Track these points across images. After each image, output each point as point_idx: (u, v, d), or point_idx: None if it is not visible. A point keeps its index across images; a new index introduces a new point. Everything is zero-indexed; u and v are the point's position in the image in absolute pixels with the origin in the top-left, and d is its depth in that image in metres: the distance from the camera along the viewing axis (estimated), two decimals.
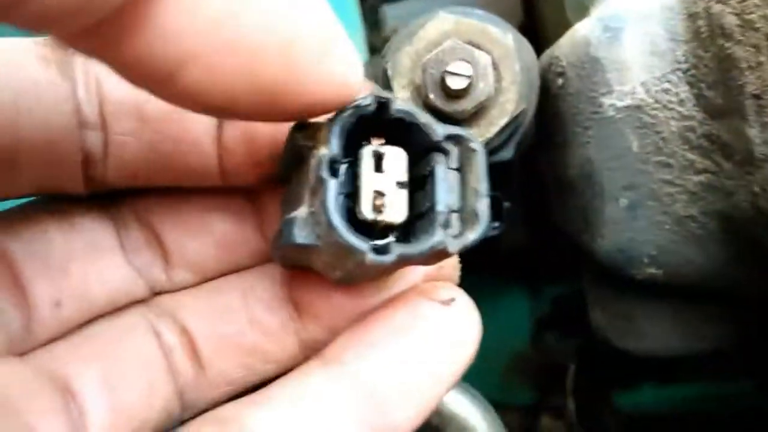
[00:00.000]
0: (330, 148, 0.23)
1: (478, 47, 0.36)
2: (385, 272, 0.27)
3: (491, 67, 0.35)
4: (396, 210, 0.24)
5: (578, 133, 0.38)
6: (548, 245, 0.64)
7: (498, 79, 0.36)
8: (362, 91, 0.25)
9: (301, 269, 0.30)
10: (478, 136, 0.33)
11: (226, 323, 0.30)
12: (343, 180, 0.24)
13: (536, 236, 0.62)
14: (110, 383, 0.28)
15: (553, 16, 0.44)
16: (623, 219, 0.37)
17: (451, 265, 0.31)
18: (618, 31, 0.35)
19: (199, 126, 0.28)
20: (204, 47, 0.19)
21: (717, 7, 0.31)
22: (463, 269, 0.32)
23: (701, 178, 0.35)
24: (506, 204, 0.39)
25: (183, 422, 0.31)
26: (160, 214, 0.31)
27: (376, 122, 0.25)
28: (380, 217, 0.24)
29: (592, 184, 0.38)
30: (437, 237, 0.24)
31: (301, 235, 0.25)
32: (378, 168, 0.24)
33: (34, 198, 0.30)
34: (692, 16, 0.33)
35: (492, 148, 0.36)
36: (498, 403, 0.44)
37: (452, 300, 0.28)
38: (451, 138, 0.25)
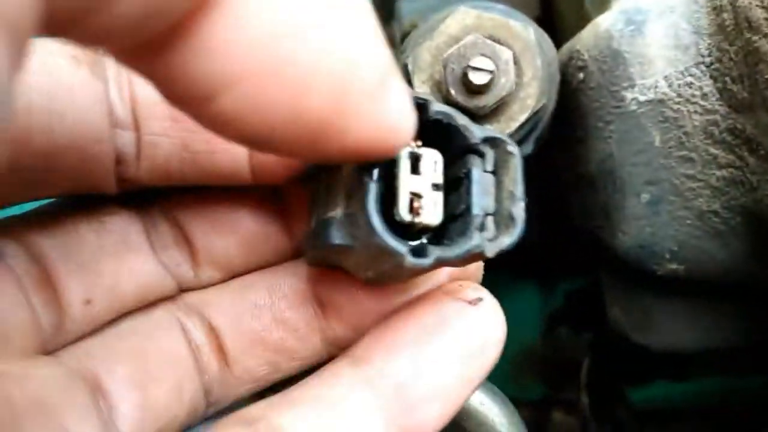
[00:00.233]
0: None
1: (499, 42, 0.35)
2: (417, 274, 0.27)
3: (512, 62, 0.35)
4: (432, 212, 0.24)
5: (599, 127, 0.37)
6: (561, 241, 0.64)
7: (519, 74, 0.36)
8: (410, 141, 0.23)
9: (328, 268, 0.30)
10: (498, 132, 0.33)
11: (252, 320, 0.30)
12: (379, 182, 0.23)
13: (549, 232, 0.62)
14: (140, 381, 0.28)
15: (571, 9, 0.44)
16: (644, 214, 0.37)
17: (475, 265, 0.31)
18: (641, 24, 0.35)
19: None
20: (250, 69, 0.18)
21: (744, 0, 0.31)
22: None
23: (724, 172, 0.35)
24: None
25: (207, 419, 0.31)
26: (188, 213, 0.31)
27: None
28: (417, 219, 0.24)
29: (614, 179, 0.38)
30: (475, 240, 0.24)
31: (338, 236, 0.24)
32: (414, 170, 0.24)
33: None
34: (717, 9, 0.33)
35: None
36: (509, 399, 0.44)
37: (480, 300, 0.28)
38: (487, 141, 0.25)
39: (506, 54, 0.35)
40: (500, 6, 0.36)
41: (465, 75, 0.34)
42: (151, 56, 0.18)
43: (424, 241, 0.25)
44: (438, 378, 0.26)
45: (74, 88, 0.26)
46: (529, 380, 0.78)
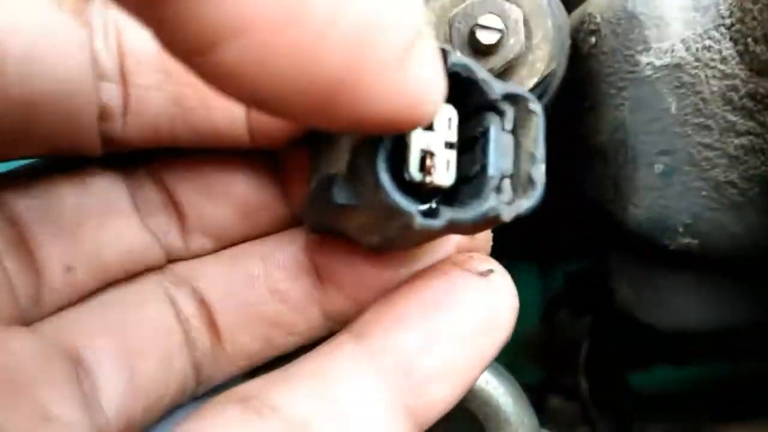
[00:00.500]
0: None
1: (508, 1, 0.34)
2: (425, 239, 0.25)
3: (522, 22, 0.33)
4: (444, 172, 0.22)
5: (612, 95, 0.36)
6: (563, 220, 0.62)
7: (528, 35, 0.34)
8: (437, 113, 0.20)
9: (329, 234, 0.28)
10: (520, 87, 0.31)
11: (246, 292, 0.29)
12: (388, 136, 0.21)
13: (551, 210, 0.61)
14: (125, 356, 0.26)
15: None
16: (657, 186, 0.36)
17: (484, 237, 0.30)
18: None
19: None
20: (260, 16, 0.16)
21: None
22: None
23: (743, 140, 0.33)
24: None
25: (197, 398, 0.30)
26: (177, 176, 0.29)
27: None
28: (428, 179, 0.22)
29: (625, 149, 0.36)
30: (491, 202, 0.22)
31: (341, 195, 0.23)
32: (428, 125, 0.22)
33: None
34: None
35: None
36: None
37: (490, 271, 0.26)
38: (508, 97, 0.23)
39: (516, 12, 0.33)
40: None
41: (472, 34, 0.33)
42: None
43: (433, 206, 0.23)
44: (446, 355, 0.25)
45: (55, 34, 0.24)
46: (527, 364, 0.77)
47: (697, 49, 0.33)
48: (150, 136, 0.27)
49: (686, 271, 0.39)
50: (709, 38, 0.33)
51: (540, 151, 0.23)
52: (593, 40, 0.36)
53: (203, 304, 0.29)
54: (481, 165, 0.23)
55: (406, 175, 0.22)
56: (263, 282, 0.29)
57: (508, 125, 0.23)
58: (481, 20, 0.32)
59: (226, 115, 0.26)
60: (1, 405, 0.22)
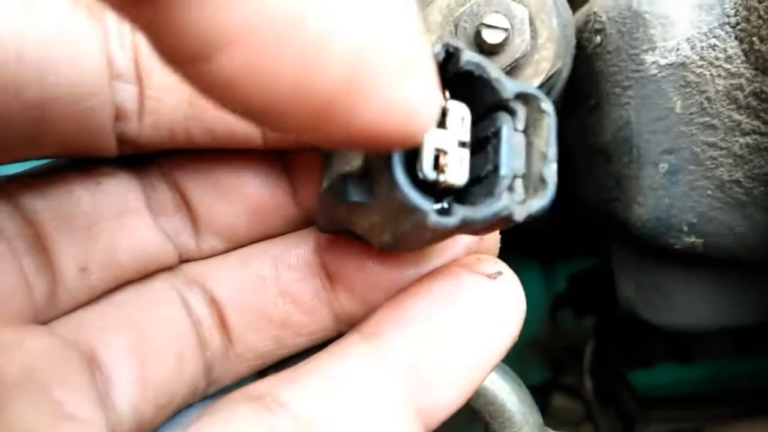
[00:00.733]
0: None
1: (514, 0, 0.34)
2: (437, 239, 0.25)
3: (528, 21, 0.33)
4: (458, 171, 0.22)
5: (616, 93, 0.36)
6: (568, 221, 0.62)
7: (534, 35, 0.34)
8: (426, 131, 0.20)
9: (340, 234, 0.28)
10: (532, 87, 0.31)
11: (256, 293, 0.29)
12: None
13: (556, 211, 0.61)
14: (138, 354, 0.26)
15: None
16: (662, 185, 0.36)
17: (493, 238, 0.30)
18: None
19: None
20: (256, 27, 0.15)
21: None
22: None
23: (748, 139, 0.33)
24: None
25: (207, 398, 0.30)
26: (189, 177, 0.29)
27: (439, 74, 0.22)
28: (442, 177, 0.22)
29: (630, 148, 0.36)
30: (503, 202, 0.22)
31: (355, 193, 0.23)
32: (441, 124, 0.22)
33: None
34: None
35: None
36: None
37: (499, 273, 0.26)
38: (520, 97, 0.23)
39: (521, 12, 0.33)
40: None
41: (478, 34, 0.33)
42: (149, 4, 0.16)
43: (446, 205, 0.23)
44: (455, 356, 0.25)
45: (71, 35, 0.24)
46: (531, 364, 0.77)
47: (702, 48, 0.33)
48: (165, 137, 0.27)
49: (691, 270, 0.39)
50: (714, 37, 0.33)
51: (552, 151, 0.23)
52: (598, 39, 0.36)
53: (214, 304, 0.29)
54: (493, 165, 0.23)
55: (419, 174, 0.22)
56: (273, 283, 0.29)
57: (520, 125, 0.23)
58: (487, 19, 0.32)
59: None
60: (19, 402, 0.23)
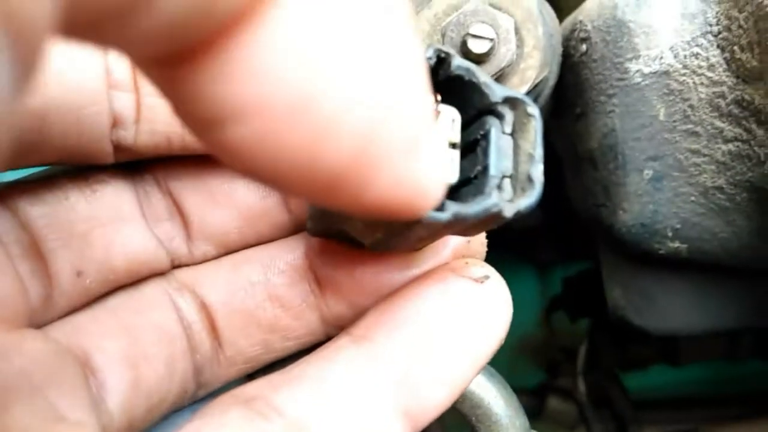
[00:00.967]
0: None
1: (500, 10, 0.34)
2: (428, 238, 0.26)
3: (513, 31, 0.34)
4: (449, 169, 0.23)
5: (601, 101, 0.36)
6: (560, 226, 0.63)
7: (520, 44, 0.35)
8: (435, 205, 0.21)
9: (329, 238, 0.29)
10: (518, 92, 0.31)
11: (246, 298, 0.29)
12: None
13: (547, 215, 0.61)
14: (130, 358, 0.27)
15: None
16: (647, 191, 0.36)
17: (479, 241, 0.30)
18: None
19: None
20: (268, 103, 0.16)
21: None
22: None
23: (730, 146, 0.34)
24: None
25: (198, 401, 0.30)
26: (182, 184, 0.30)
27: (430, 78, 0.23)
28: None
29: (615, 155, 0.37)
30: (493, 199, 0.23)
31: None
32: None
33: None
34: None
35: None
36: None
37: (486, 277, 0.27)
38: (507, 101, 0.24)
39: (507, 22, 0.34)
40: None
41: (464, 43, 0.33)
42: (169, 67, 0.16)
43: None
44: (443, 359, 0.25)
45: (70, 47, 0.25)
46: (525, 367, 0.77)
47: (685, 57, 0.33)
48: (161, 144, 0.27)
49: (676, 275, 0.39)
50: (697, 46, 0.33)
51: (538, 152, 0.23)
52: (584, 47, 0.36)
53: (204, 309, 0.29)
54: (482, 166, 0.24)
55: None
56: (263, 288, 0.29)
57: (508, 128, 0.24)
58: (473, 29, 0.33)
59: None
60: (16, 405, 0.23)
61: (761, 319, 0.40)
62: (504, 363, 0.76)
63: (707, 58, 0.33)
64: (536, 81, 0.35)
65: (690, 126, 0.34)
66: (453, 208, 0.22)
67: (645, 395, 0.69)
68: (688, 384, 0.69)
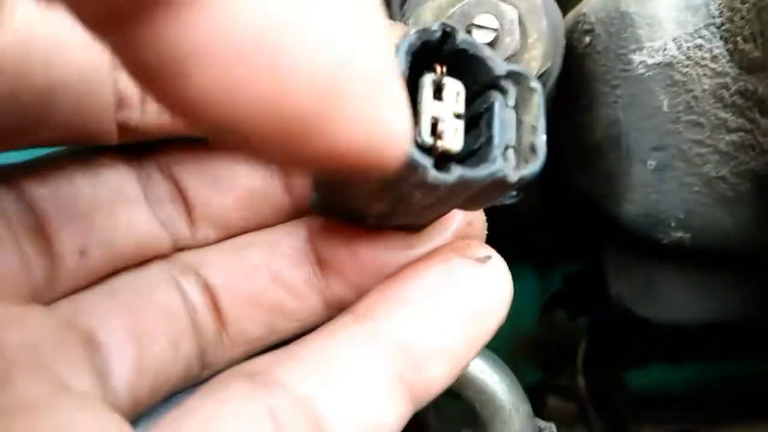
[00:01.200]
0: (399, 63, 0.22)
1: (504, 1, 0.35)
2: (431, 208, 0.26)
3: (518, 22, 0.34)
4: (453, 138, 0.24)
5: (605, 93, 0.37)
6: (560, 221, 0.63)
7: (524, 35, 0.35)
8: (401, 160, 0.20)
9: (332, 215, 0.29)
10: (521, 67, 0.32)
11: (249, 280, 0.29)
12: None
13: (548, 210, 0.62)
14: (135, 336, 0.27)
15: None
16: (650, 181, 0.36)
17: (481, 223, 0.30)
18: None
19: None
20: (230, 48, 0.15)
21: None
22: None
23: (734, 137, 0.34)
24: None
25: (203, 382, 0.30)
26: (185, 167, 0.30)
27: (434, 54, 0.24)
28: (439, 143, 0.23)
29: (619, 146, 0.37)
30: (497, 164, 0.23)
31: None
32: (438, 97, 0.23)
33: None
34: None
35: None
36: None
37: (488, 258, 0.27)
38: (510, 75, 0.24)
39: (511, 13, 0.34)
40: None
41: (468, 34, 0.33)
42: (121, 22, 0.15)
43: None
44: (444, 336, 0.26)
45: (76, 23, 0.25)
46: (525, 365, 0.77)
47: (688, 48, 0.34)
48: (167, 125, 0.27)
49: (679, 264, 0.39)
50: (700, 37, 0.34)
51: (541, 123, 0.24)
52: (587, 39, 0.37)
53: (208, 290, 0.29)
54: (486, 138, 0.24)
55: (417, 139, 0.23)
56: (265, 270, 0.30)
57: (511, 102, 0.24)
58: (477, 20, 0.33)
59: None
60: (21, 376, 0.23)
61: (763, 310, 0.41)
62: (504, 361, 0.76)
63: (710, 50, 0.33)
64: (540, 72, 0.35)
65: (693, 117, 0.35)
66: (459, 171, 0.23)
67: (646, 394, 0.69)
68: (689, 383, 0.69)
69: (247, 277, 0.29)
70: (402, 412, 0.25)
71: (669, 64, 0.34)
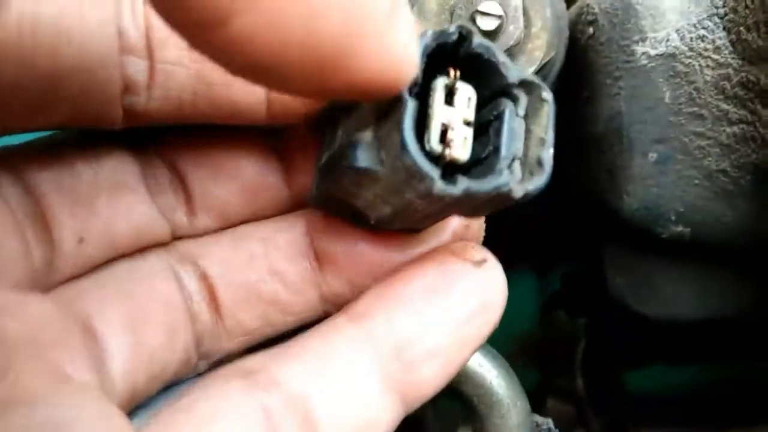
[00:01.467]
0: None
1: None
2: (434, 215, 0.26)
3: (522, 10, 0.34)
4: (462, 147, 0.23)
5: (608, 84, 0.36)
6: (560, 220, 0.63)
7: (528, 24, 0.35)
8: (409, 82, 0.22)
9: (332, 212, 0.29)
10: (534, 76, 0.32)
11: (246, 272, 0.29)
12: (415, 102, 0.22)
13: (547, 208, 0.61)
14: (132, 324, 0.27)
15: None
16: (651, 174, 0.36)
17: (478, 225, 0.31)
18: None
19: None
20: None
21: None
22: None
23: (735, 129, 0.34)
24: None
25: (200, 374, 0.30)
26: (185, 156, 0.30)
27: (448, 57, 0.24)
28: (447, 151, 0.23)
29: (621, 138, 0.37)
30: (503, 178, 0.23)
31: (363, 158, 0.23)
32: (449, 102, 0.23)
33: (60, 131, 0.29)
34: None
35: None
36: None
37: (484, 261, 0.27)
38: (522, 84, 0.24)
39: (516, 0, 0.34)
40: None
41: (472, 21, 0.34)
42: None
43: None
44: (439, 338, 0.26)
45: (83, 7, 0.25)
46: (524, 367, 0.77)
47: (691, 39, 0.34)
48: (172, 111, 0.27)
49: (679, 260, 0.39)
50: (703, 28, 0.34)
51: (550, 136, 0.24)
52: (591, 30, 0.37)
53: (205, 280, 0.29)
54: (494, 146, 0.24)
55: (426, 146, 0.23)
56: (263, 262, 0.30)
57: (521, 111, 0.24)
58: (482, 7, 0.33)
59: (247, 92, 0.27)
60: (21, 363, 0.23)
61: (762, 307, 0.40)
62: None
63: (713, 41, 0.33)
64: (543, 62, 0.35)
65: (695, 108, 0.34)
66: (465, 184, 0.22)
67: (645, 397, 0.68)
68: (689, 385, 0.69)
69: (245, 268, 0.29)
70: (395, 413, 0.26)
71: (671, 55, 0.34)
